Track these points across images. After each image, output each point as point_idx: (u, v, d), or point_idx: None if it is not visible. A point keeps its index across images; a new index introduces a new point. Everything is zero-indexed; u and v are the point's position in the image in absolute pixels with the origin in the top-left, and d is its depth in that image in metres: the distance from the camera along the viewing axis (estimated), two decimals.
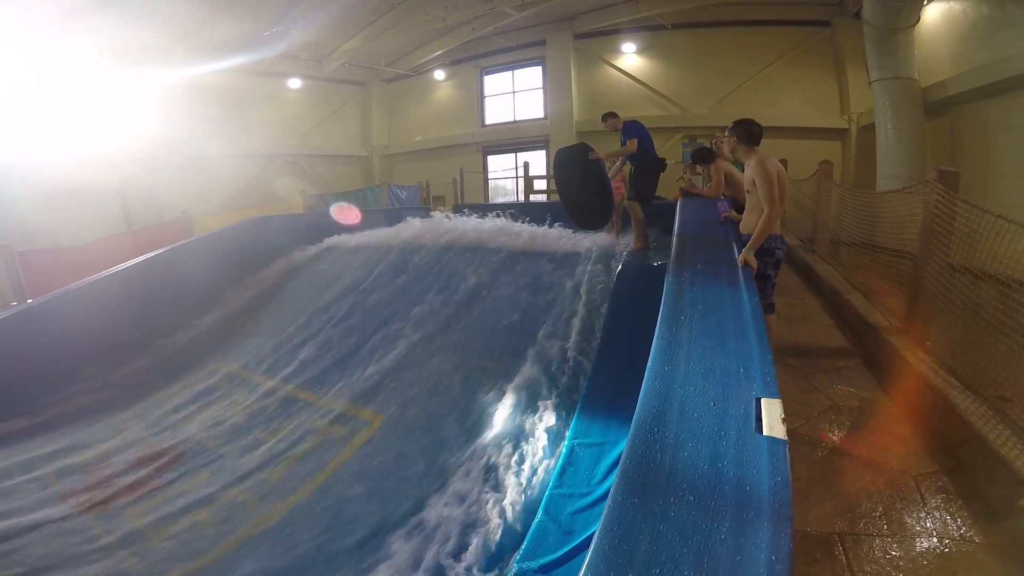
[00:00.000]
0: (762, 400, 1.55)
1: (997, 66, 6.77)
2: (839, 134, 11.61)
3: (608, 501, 1.29)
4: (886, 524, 2.22)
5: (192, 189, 12.18)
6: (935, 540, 2.11)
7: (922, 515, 2.25)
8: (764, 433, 1.43)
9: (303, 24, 11.37)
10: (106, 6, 9.31)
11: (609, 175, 5.24)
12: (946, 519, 2.22)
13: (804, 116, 11.60)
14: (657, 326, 2.14)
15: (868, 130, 10.11)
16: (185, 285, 7.45)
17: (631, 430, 1.52)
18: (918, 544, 2.10)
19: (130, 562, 3.25)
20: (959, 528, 2.16)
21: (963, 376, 2.88)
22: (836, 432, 2.92)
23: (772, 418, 1.46)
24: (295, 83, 15.09)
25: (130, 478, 4.17)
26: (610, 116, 5.17)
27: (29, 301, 6.80)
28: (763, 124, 3.30)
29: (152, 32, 10.37)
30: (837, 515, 2.29)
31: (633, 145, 4.77)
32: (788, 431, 1.44)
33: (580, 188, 5.08)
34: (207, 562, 3.21)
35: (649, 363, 1.85)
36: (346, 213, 9.06)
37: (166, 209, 11.75)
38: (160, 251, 7.69)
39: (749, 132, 3.23)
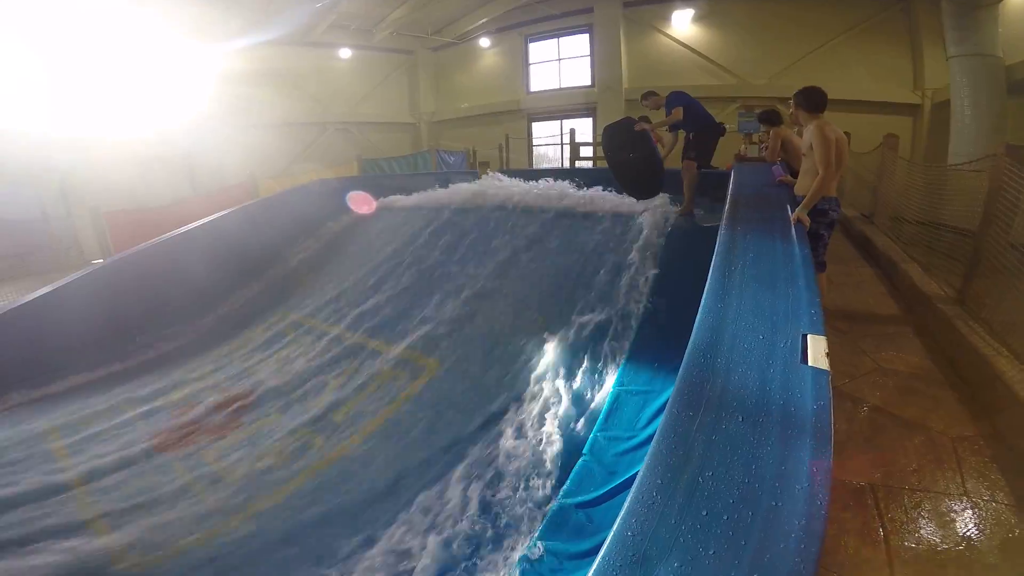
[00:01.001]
0: (808, 336, 1.67)
1: None
2: (911, 110, 11.00)
3: (664, 414, 1.44)
4: (919, 479, 2.30)
5: (253, 155, 12.80)
6: (964, 497, 2.18)
7: (955, 474, 2.32)
8: (809, 364, 1.55)
9: None
10: None
11: (661, 155, 5.20)
12: (977, 479, 2.28)
13: (873, 90, 11.00)
14: (710, 271, 2.25)
15: (943, 107, 9.50)
16: (254, 242, 7.94)
17: (685, 356, 1.68)
18: (947, 500, 2.18)
19: (208, 499, 3.56)
20: (989, 488, 2.22)
21: (1015, 349, 2.88)
22: (879, 392, 2.97)
23: (817, 352, 1.59)
24: (345, 53, 15.39)
25: (208, 421, 4.55)
26: (650, 94, 5.12)
27: (114, 256, 7.39)
28: (828, 96, 3.29)
29: (210, 7, 10.84)
30: (873, 468, 2.39)
31: (679, 113, 4.72)
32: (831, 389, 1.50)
33: (632, 161, 5.08)
34: (278, 499, 3.50)
35: (702, 301, 1.98)
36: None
37: (230, 174, 12.45)
38: (226, 212, 8.16)
39: (810, 99, 3.27)
